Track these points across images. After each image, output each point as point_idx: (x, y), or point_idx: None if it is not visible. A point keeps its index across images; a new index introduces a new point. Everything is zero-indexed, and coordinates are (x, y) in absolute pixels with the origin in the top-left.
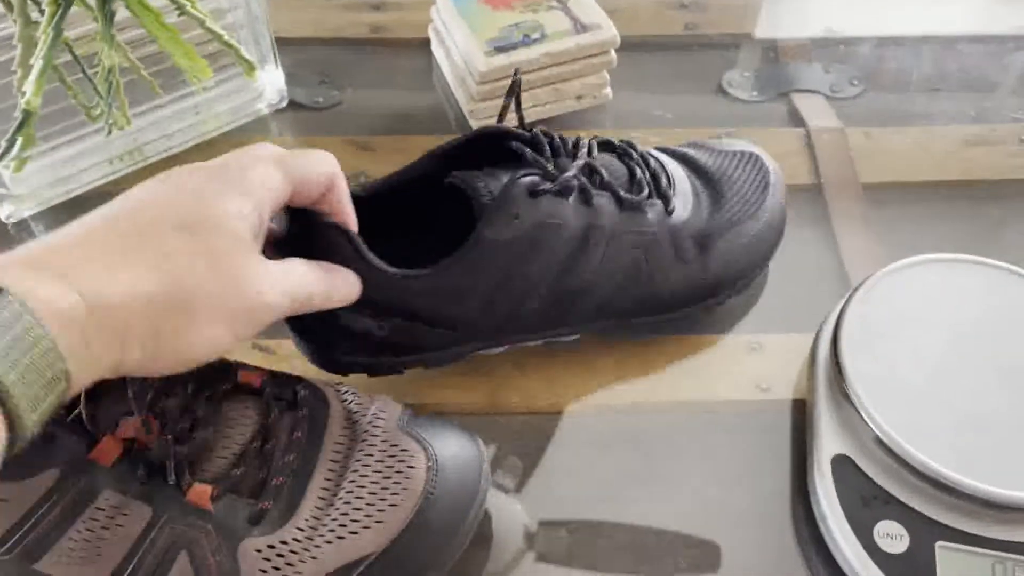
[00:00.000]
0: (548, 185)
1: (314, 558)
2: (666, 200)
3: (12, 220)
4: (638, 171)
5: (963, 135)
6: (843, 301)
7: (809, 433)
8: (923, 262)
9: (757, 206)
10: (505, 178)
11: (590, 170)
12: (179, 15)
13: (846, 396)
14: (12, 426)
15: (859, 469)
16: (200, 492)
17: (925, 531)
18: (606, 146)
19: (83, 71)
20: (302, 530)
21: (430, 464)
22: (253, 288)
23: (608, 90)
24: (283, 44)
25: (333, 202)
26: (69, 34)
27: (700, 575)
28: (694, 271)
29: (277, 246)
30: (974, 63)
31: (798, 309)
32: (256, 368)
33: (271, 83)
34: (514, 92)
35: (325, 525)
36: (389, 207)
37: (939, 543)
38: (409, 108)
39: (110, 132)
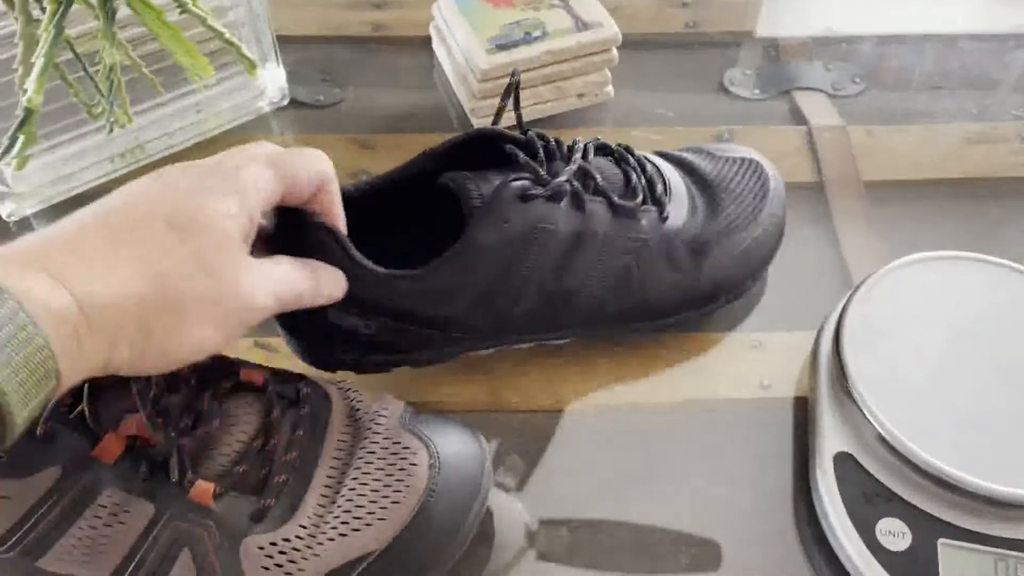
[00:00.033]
0: (539, 190)
1: (316, 555)
2: (660, 207)
3: (14, 218)
4: (634, 176)
5: (965, 133)
6: (845, 299)
7: (811, 431)
8: (925, 260)
9: (754, 215)
10: (497, 180)
11: (584, 174)
12: (180, 13)
13: (848, 394)
14: (3, 422)
15: (861, 467)
16: (202, 490)
17: (927, 528)
18: (603, 150)
19: (84, 69)
20: (304, 528)
21: (432, 462)
22: (242, 289)
23: (609, 88)
24: (284, 42)
25: (324, 202)
26: (70, 32)
27: (702, 573)
28: (686, 279)
29: (265, 243)
30: (975, 61)
31: (800, 307)
32: (258, 366)
33: (272, 81)
34: (510, 94)
35: (327, 523)
36: (384, 206)
37: (941, 540)
38: (410, 106)
39: (111, 130)
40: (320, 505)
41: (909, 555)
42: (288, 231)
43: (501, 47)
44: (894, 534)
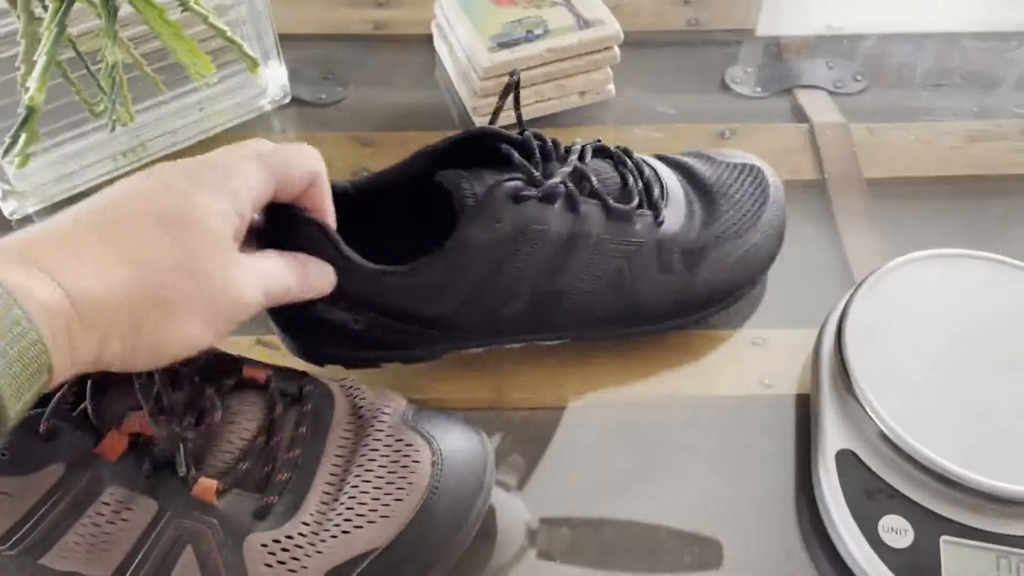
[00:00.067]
0: (532, 191)
1: (319, 552)
2: (656, 211)
3: (16, 216)
4: (630, 179)
5: (966, 130)
6: (847, 296)
7: (813, 428)
8: (927, 257)
9: (752, 222)
10: (491, 180)
11: (580, 176)
12: (182, 11)
13: (850, 391)
14: None
15: (863, 464)
16: (206, 487)
17: (929, 525)
18: (601, 152)
19: (86, 67)
20: (307, 525)
21: (435, 459)
22: (231, 286)
23: (611, 86)
24: (286, 40)
25: (314, 197)
26: (72, 30)
27: (704, 570)
28: (679, 284)
29: (256, 238)
30: (977, 58)
31: (802, 304)
32: (261, 363)
33: (274, 79)
34: (508, 93)
35: (330, 520)
36: (381, 203)
37: (943, 537)
38: (412, 104)
39: (113, 128)
40: (323, 502)
41: (911, 552)
42: (278, 226)
43: (503, 45)
44: (896, 531)
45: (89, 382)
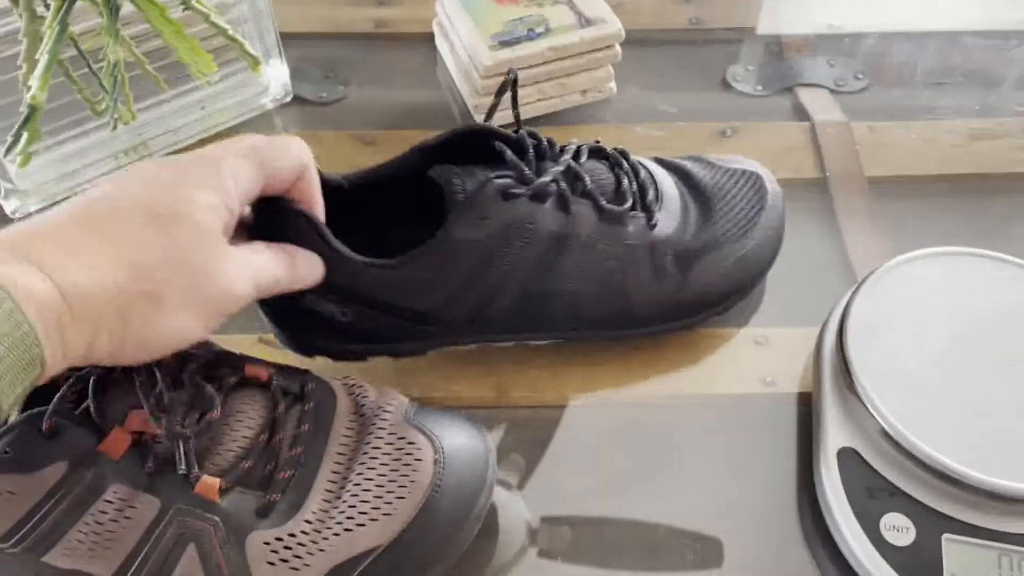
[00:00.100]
0: (522, 189)
1: (322, 550)
2: (649, 213)
3: (17, 215)
4: (625, 181)
5: (968, 129)
6: (849, 294)
7: (815, 426)
8: (928, 255)
9: (747, 228)
10: (483, 177)
11: (574, 176)
12: (184, 10)
13: (852, 389)
14: None
15: (865, 462)
16: (208, 485)
17: (931, 523)
18: (597, 153)
19: (88, 66)
20: (310, 523)
21: (437, 457)
22: (221, 278)
23: (612, 84)
24: (288, 39)
25: (303, 190)
26: (74, 29)
27: (706, 568)
28: (670, 288)
29: (245, 230)
30: (978, 57)
31: (803, 303)
32: (263, 362)
33: (276, 78)
34: (504, 91)
35: (333, 518)
36: (376, 198)
37: (945, 535)
38: (413, 103)
39: (115, 127)
40: (325, 500)
41: (913, 550)
42: (267, 219)
43: (504, 43)
44: (898, 529)
45: (91, 380)
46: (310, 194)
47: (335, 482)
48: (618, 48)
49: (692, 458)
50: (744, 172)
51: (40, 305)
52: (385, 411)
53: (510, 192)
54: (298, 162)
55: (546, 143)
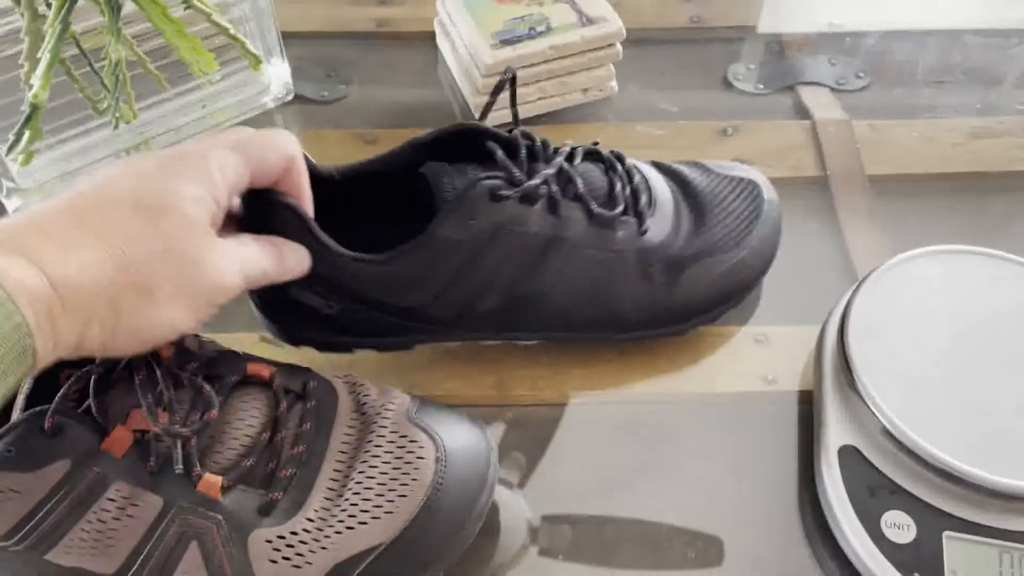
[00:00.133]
0: (511, 191)
1: (324, 548)
2: (640, 219)
3: None
4: (618, 185)
5: (968, 127)
6: (849, 293)
7: (816, 424)
8: (929, 253)
9: (740, 237)
10: (474, 176)
11: (567, 179)
12: (185, 8)
13: (853, 387)
14: None
15: (866, 460)
16: (210, 483)
17: (932, 521)
18: (593, 155)
19: (90, 65)
20: (312, 521)
21: (439, 455)
22: (209, 269)
23: (613, 83)
24: (289, 38)
25: (291, 182)
26: (76, 28)
27: (706, 566)
28: (659, 295)
29: (233, 222)
30: (979, 56)
31: (804, 301)
32: (265, 360)
33: (277, 77)
34: (500, 90)
35: (335, 516)
36: (373, 192)
37: (946, 533)
38: (414, 102)
39: (117, 126)
40: (327, 499)
41: (914, 547)
42: (255, 211)
43: (505, 42)
44: (899, 527)
45: (93, 378)
46: (298, 186)
47: (337, 480)
48: (619, 47)
49: (693, 456)
50: (742, 180)
51: (31, 296)
52: (387, 409)
53: (498, 194)
54: (285, 154)
55: (540, 144)
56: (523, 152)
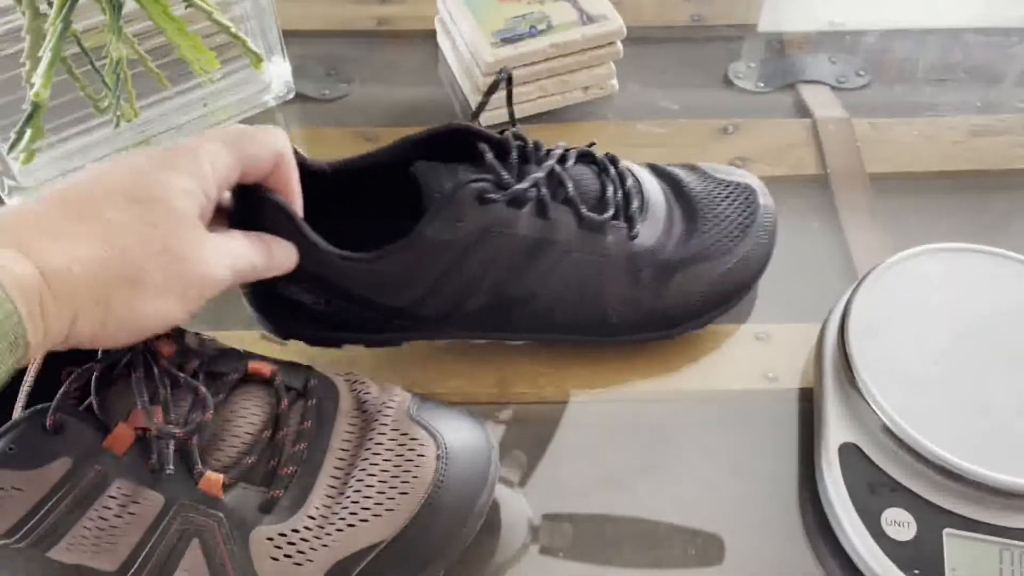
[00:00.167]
0: (498, 194)
1: (325, 546)
2: (631, 223)
3: None
4: (610, 189)
5: (969, 125)
6: (850, 291)
7: (816, 422)
8: (929, 251)
9: (733, 243)
10: (463, 178)
11: (557, 181)
12: (186, 7)
13: (853, 385)
14: None
15: (866, 457)
16: (212, 481)
17: (932, 518)
18: (586, 157)
19: (91, 63)
20: (313, 518)
21: (440, 453)
22: (199, 262)
23: (614, 81)
24: (290, 36)
25: (280, 178)
26: (77, 26)
27: (707, 563)
28: (647, 299)
29: (223, 217)
30: (979, 54)
31: (805, 299)
32: (266, 358)
33: (278, 75)
34: (493, 91)
35: (336, 513)
36: (358, 186)
37: (946, 530)
38: (415, 100)
39: (118, 124)
40: (328, 496)
41: (914, 545)
42: (245, 207)
43: (506, 41)
44: (899, 524)
45: (94, 376)
46: (287, 182)
47: (338, 478)
48: (620, 45)
49: (694, 454)
50: (737, 185)
51: (23, 286)
52: (387, 407)
53: (486, 196)
54: (275, 150)
55: (532, 145)
56: (514, 153)
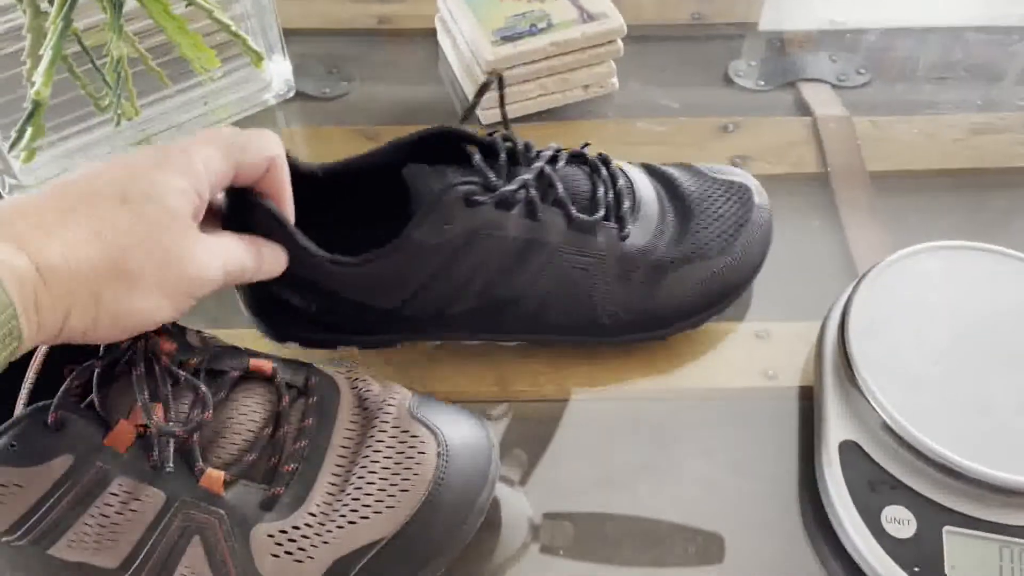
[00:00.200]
0: (486, 197)
1: (325, 543)
2: (621, 224)
3: None
4: (601, 189)
5: (969, 123)
6: (850, 289)
7: (816, 420)
8: (929, 249)
9: (726, 244)
10: (452, 180)
11: (547, 183)
12: (187, 5)
13: (853, 383)
14: None
15: (866, 455)
16: (213, 478)
17: (932, 516)
18: (578, 158)
19: (92, 62)
20: (314, 515)
21: (440, 450)
22: (190, 261)
23: (614, 80)
24: (291, 35)
25: (272, 181)
26: (78, 25)
27: (707, 561)
28: (638, 300)
29: (215, 220)
30: (980, 52)
31: (805, 297)
32: (267, 355)
33: (279, 74)
34: (483, 92)
35: (336, 511)
36: (349, 189)
37: (946, 528)
38: (416, 99)
39: (118, 123)
40: (329, 493)
41: (914, 542)
42: (236, 210)
43: (506, 39)
44: (899, 522)
45: (95, 373)
46: (279, 185)
47: (339, 475)
48: (620, 43)
49: (694, 452)
50: (733, 184)
51: (18, 280)
52: (388, 404)
53: (473, 199)
54: (268, 153)
55: (521, 147)
56: (503, 155)
